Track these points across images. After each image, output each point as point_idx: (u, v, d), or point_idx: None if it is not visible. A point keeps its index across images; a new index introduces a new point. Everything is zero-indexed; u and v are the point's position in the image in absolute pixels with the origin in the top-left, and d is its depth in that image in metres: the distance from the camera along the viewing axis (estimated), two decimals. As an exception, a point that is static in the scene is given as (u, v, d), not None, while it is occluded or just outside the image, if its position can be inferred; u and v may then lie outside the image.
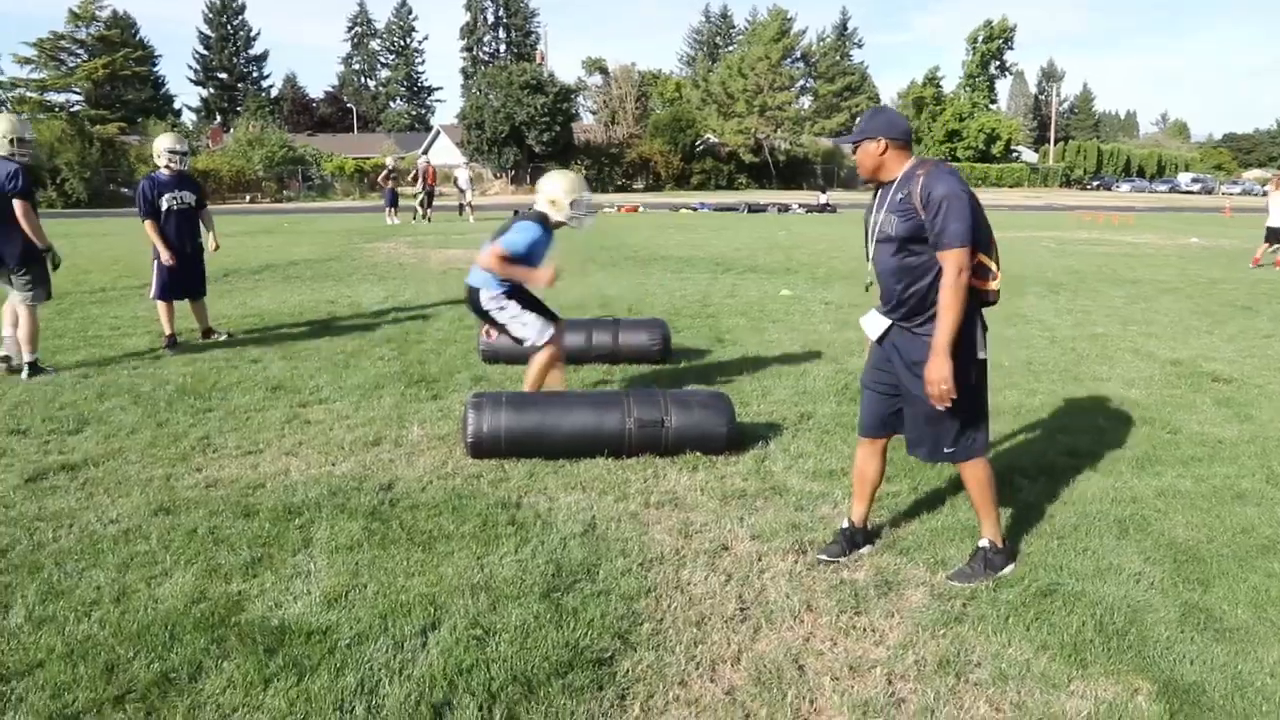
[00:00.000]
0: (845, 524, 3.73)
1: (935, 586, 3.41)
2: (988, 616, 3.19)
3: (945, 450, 3.43)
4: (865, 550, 3.70)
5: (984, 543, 3.55)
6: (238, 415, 5.48)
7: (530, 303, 5.34)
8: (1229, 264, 15.55)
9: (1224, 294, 11.45)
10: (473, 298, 5.28)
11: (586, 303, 10.12)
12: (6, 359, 6.52)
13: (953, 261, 3.18)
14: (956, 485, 4.33)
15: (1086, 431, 5.31)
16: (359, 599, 3.22)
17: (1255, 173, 75.79)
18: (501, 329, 5.35)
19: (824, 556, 3.60)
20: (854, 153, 3.43)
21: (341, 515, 3.95)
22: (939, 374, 3.20)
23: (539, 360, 5.30)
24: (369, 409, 5.65)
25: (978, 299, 3.33)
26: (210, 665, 2.80)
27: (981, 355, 3.37)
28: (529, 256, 5.10)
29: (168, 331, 7.49)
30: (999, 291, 3.39)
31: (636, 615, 3.17)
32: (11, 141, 6.33)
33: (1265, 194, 17.18)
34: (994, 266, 3.33)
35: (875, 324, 3.51)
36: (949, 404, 3.24)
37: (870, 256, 3.47)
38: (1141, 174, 77.73)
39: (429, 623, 3.06)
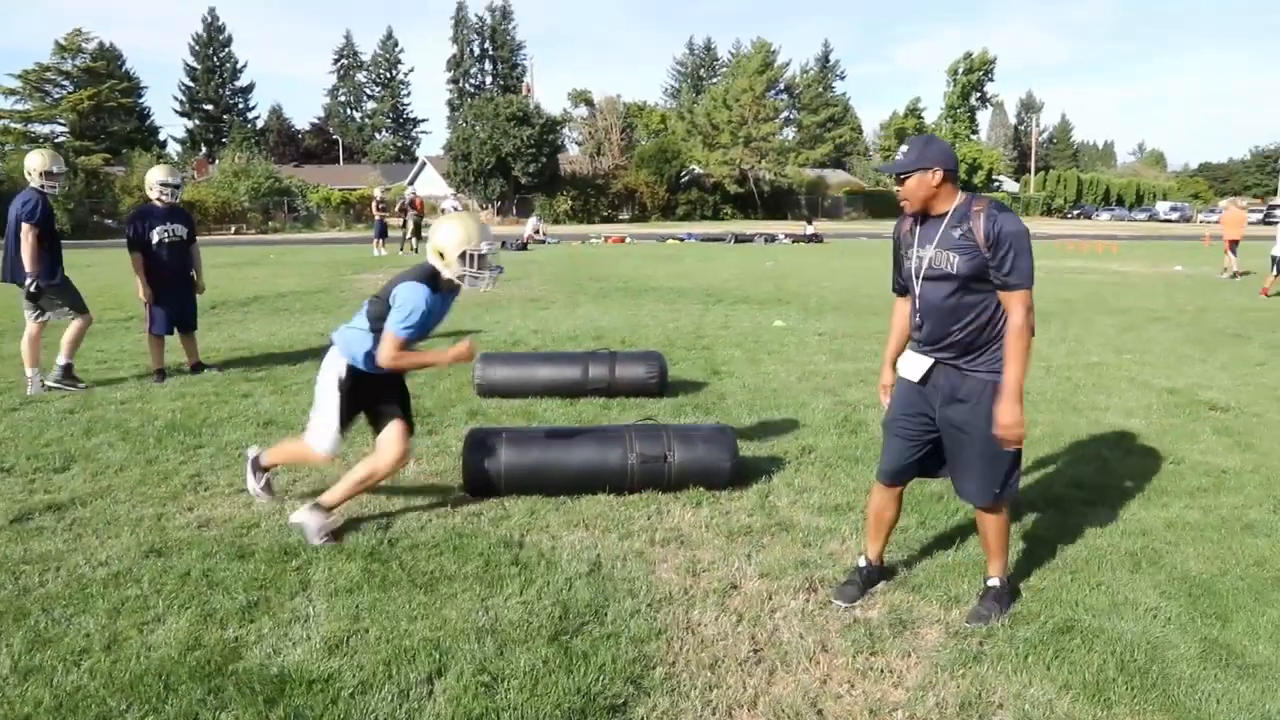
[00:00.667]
0: (862, 563, 3.65)
1: (950, 624, 3.34)
2: (1006, 655, 3.12)
3: (994, 491, 3.31)
4: (880, 586, 3.63)
5: (995, 581, 3.48)
6: (229, 452, 5.37)
7: (352, 406, 4.17)
8: (1214, 291, 15.66)
9: (1213, 321, 11.50)
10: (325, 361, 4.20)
11: (580, 334, 10.07)
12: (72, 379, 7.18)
13: (1021, 302, 3.09)
14: (966, 519, 4.28)
15: (1090, 462, 5.27)
16: (361, 645, 3.12)
17: (1227, 201, 76.78)
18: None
19: (841, 602, 3.49)
20: (899, 182, 3.24)
21: (339, 556, 3.85)
22: (1013, 418, 3.11)
23: (308, 452, 4.28)
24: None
25: None
26: (207, 717, 2.69)
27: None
28: (423, 328, 4.03)
29: (156, 366, 7.39)
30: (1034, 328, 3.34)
31: (648, 658, 3.08)
32: (42, 175, 7.00)
33: (1220, 212, 17.80)
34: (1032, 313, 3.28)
35: (916, 365, 3.35)
36: (1019, 447, 3.18)
37: (916, 293, 3.31)
38: (1121, 203, 78.63)
39: (435, 669, 2.97)
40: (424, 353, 4.23)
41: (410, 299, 3.92)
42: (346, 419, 4.18)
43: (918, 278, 3.27)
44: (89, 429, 5.81)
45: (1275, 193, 79.49)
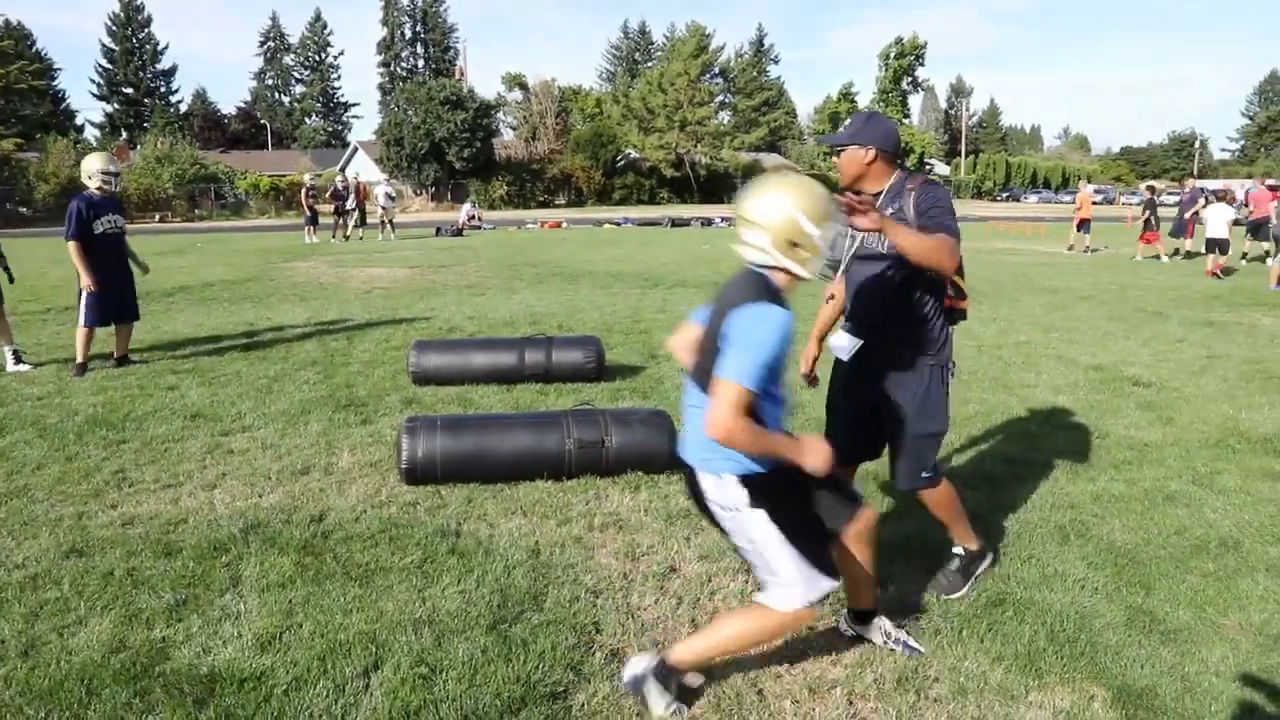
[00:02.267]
0: None
1: (886, 602, 3.38)
2: (942, 630, 3.17)
3: (923, 476, 3.34)
4: None
5: (958, 548, 3.53)
6: (154, 446, 5.19)
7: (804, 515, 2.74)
8: (1135, 271, 16.17)
9: (1134, 300, 11.87)
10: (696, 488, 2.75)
11: (516, 320, 9.98)
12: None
13: (948, 242, 2.96)
14: (900, 499, 4.34)
15: (1020, 438, 5.40)
16: (294, 640, 3.04)
17: (1148, 184, 79.43)
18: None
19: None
20: (835, 156, 3.22)
21: (271, 550, 3.75)
22: (876, 222, 2.82)
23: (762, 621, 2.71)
24: (295, 436, 5.42)
25: (951, 315, 3.30)
26: (133, 721, 2.60)
27: (948, 365, 3.29)
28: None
29: (81, 359, 7.12)
30: (966, 311, 3.37)
31: (588, 645, 3.07)
32: (102, 176, 7.28)
33: (1145, 199, 18.69)
34: (965, 287, 3.30)
35: (847, 345, 3.33)
36: (857, 211, 2.81)
37: (842, 271, 3.29)
38: (1048, 185, 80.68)
39: (371, 663, 2.91)
40: (777, 438, 2.56)
41: (759, 318, 2.49)
42: (809, 538, 2.67)
43: (848, 256, 3.25)
44: (2, 426, 5.57)
45: (1191, 175, 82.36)
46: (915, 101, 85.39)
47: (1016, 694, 2.80)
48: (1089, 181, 21.91)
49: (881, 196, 3.18)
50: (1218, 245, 15.40)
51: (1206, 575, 3.61)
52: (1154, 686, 2.84)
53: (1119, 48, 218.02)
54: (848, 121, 3.24)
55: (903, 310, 3.21)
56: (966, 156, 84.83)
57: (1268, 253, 14.38)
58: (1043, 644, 3.07)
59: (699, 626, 3.19)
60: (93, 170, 7.26)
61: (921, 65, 77.06)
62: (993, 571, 3.60)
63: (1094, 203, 21.90)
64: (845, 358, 3.35)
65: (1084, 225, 20.72)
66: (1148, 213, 18.62)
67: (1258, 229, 17.09)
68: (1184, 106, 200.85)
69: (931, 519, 3.58)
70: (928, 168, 74.78)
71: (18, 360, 7.41)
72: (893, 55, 76.01)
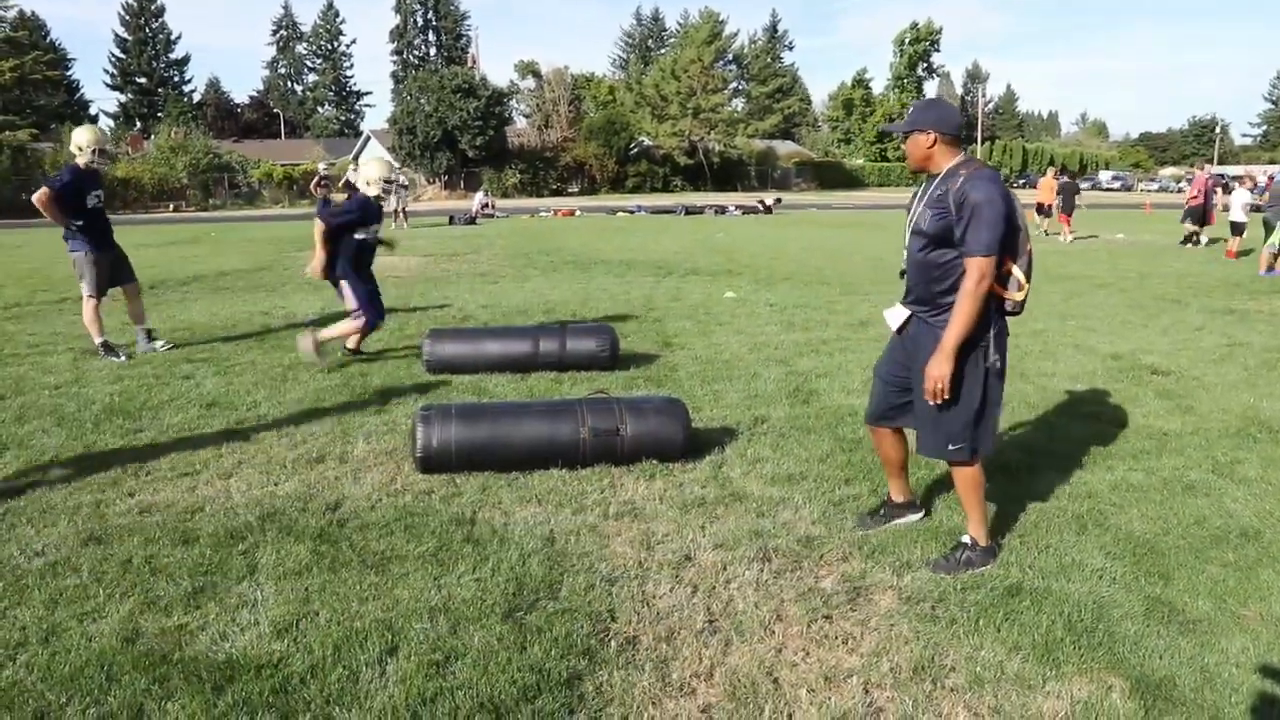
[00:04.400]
0: (886, 497, 3.87)
1: (903, 590, 3.38)
2: (958, 619, 3.16)
3: (950, 448, 3.43)
4: (914, 518, 3.86)
5: (966, 539, 3.56)
6: (171, 435, 5.22)
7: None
8: (1155, 258, 16.04)
9: (1154, 288, 11.77)
10: None
11: (530, 308, 9.98)
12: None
13: (975, 268, 3.16)
14: (916, 486, 4.33)
15: (1038, 428, 5.36)
16: (311, 628, 3.06)
17: (1170, 170, 78.67)
18: None
19: (857, 529, 3.80)
20: (903, 142, 3.40)
21: (287, 538, 3.76)
22: (938, 371, 3.23)
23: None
24: (310, 425, 5.43)
25: (999, 307, 3.33)
26: (153, 707, 2.61)
27: (995, 361, 3.35)
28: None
29: (99, 338, 7.21)
30: (1024, 303, 3.40)
31: (604, 632, 3.07)
32: (93, 153, 7.27)
33: (1180, 189, 19.28)
34: (1023, 278, 3.32)
35: (896, 315, 3.53)
36: (940, 402, 3.28)
37: (905, 245, 3.47)
38: (1065, 171, 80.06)
39: (386, 650, 2.92)
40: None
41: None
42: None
43: (907, 231, 3.43)
44: (21, 415, 5.61)
45: (1211, 161, 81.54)
46: (930, 88, 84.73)
47: (1034, 684, 2.79)
48: (1056, 167, 24.05)
49: (938, 180, 3.29)
50: (1236, 228, 15.53)
51: (1226, 565, 3.57)
52: (1173, 677, 2.82)
53: (1138, 32, 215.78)
54: (909, 109, 3.43)
55: (939, 286, 3.33)
56: (983, 143, 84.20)
57: None
58: (1060, 634, 3.05)
59: (714, 615, 3.19)
60: (88, 143, 7.25)
61: (937, 51, 76.59)
62: (1006, 559, 3.59)
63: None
64: (893, 327, 3.55)
65: (1042, 209, 22.32)
66: (1061, 196, 21.10)
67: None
68: (1204, 92, 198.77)
69: (937, 498, 3.64)
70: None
71: (150, 339, 7.68)
72: (907, 41, 75.48)
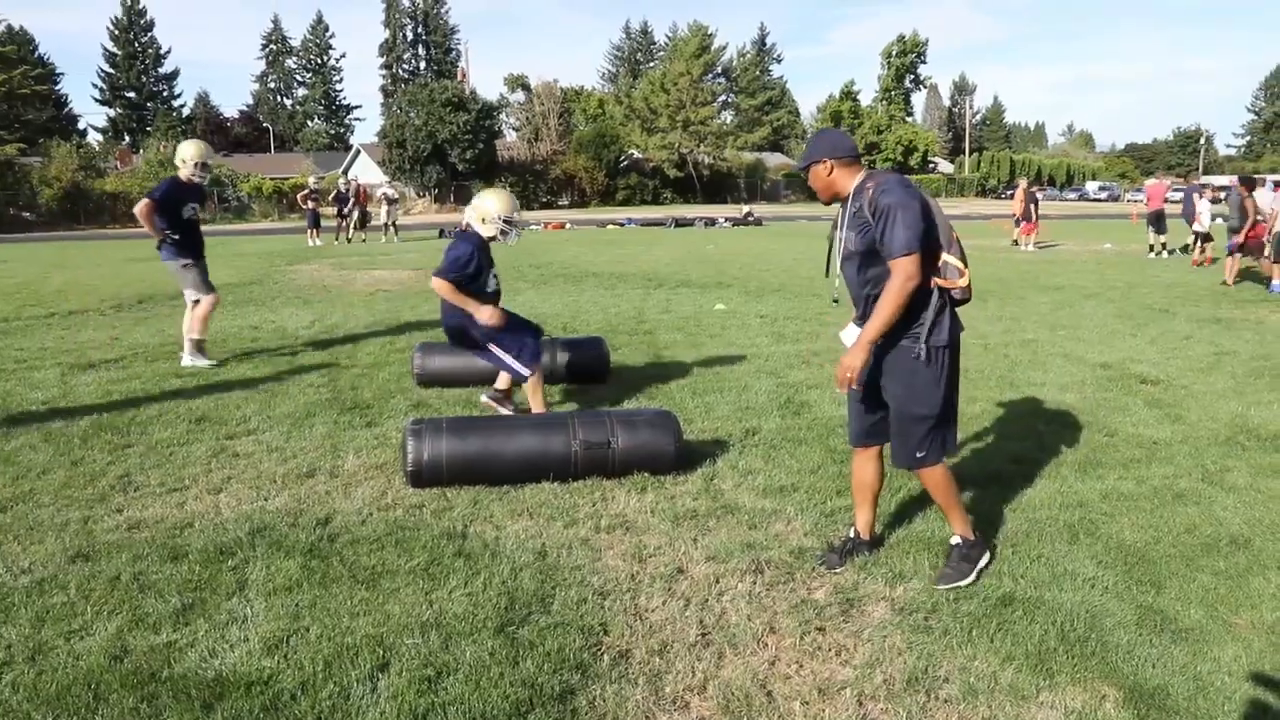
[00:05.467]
0: (851, 533, 3.75)
1: (896, 601, 3.37)
2: (951, 629, 3.15)
3: (918, 456, 3.43)
4: (869, 555, 3.72)
5: (956, 540, 3.56)
6: (160, 450, 5.19)
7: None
8: (1143, 268, 16.14)
9: (1142, 297, 11.84)
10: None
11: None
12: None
13: (900, 269, 3.19)
14: (908, 497, 4.33)
15: (1028, 437, 5.38)
16: (301, 644, 3.03)
17: (1164, 178, 79.33)
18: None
19: (822, 567, 3.61)
20: (808, 181, 3.47)
21: (277, 554, 3.74)
22: (851, 361, 3.26)
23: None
24: (300, 439, 5.41)
25: (946, 298, 3.36)
26: (140, 726, 2.58)
27: (942, 347, 3.33)
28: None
29: (197, 336, 7.64)
30: (969, 288, 3.41)
31: (596, 646, 3.05)
32: (196, 165, 7.37)
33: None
34: (960, 264, 3.34)
35: (852, 335, 3.51)
36: (844, 389, 3.32)
37: (838, 271, 3.50)
38: (1052, 183, 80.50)
39: (378, 665, 2.90)
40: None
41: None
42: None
43: (837, 256, 3.48)
44: (8, 431, 5.57)
45: (1196, 170, 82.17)
46: (919, 99, 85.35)
47: (1027, 694, 2.78)
48: (1028, 179, 24.70)
49: (849, 200, 3.35)
50: (1201, 237, 16.33)
51: (1218, 574, 3.58)
52: (1166, 686, 2.82)
53: (1123, 44, 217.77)
54: (806, 146, 3.52)
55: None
56: (970, 154, 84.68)
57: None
58: (1053, 643, 3.05)
59: (707, 628, 3.18)
60: (188, 156, 7.36)
61: (923, 63, 77.07)
62: (998, 569, 3.59)
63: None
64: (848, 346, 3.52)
65: (1019, 221, 22.07)
66: (1027, 205, 20.92)
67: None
68: (1189, 102, 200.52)
69: (928, 510, 3.64)
70: (931, 166, 74.78)
71: (197, 351, 7.68)
72: (895, 53, 75.95)
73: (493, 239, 5.52)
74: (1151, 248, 18.84)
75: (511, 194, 5.82)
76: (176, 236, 7.43)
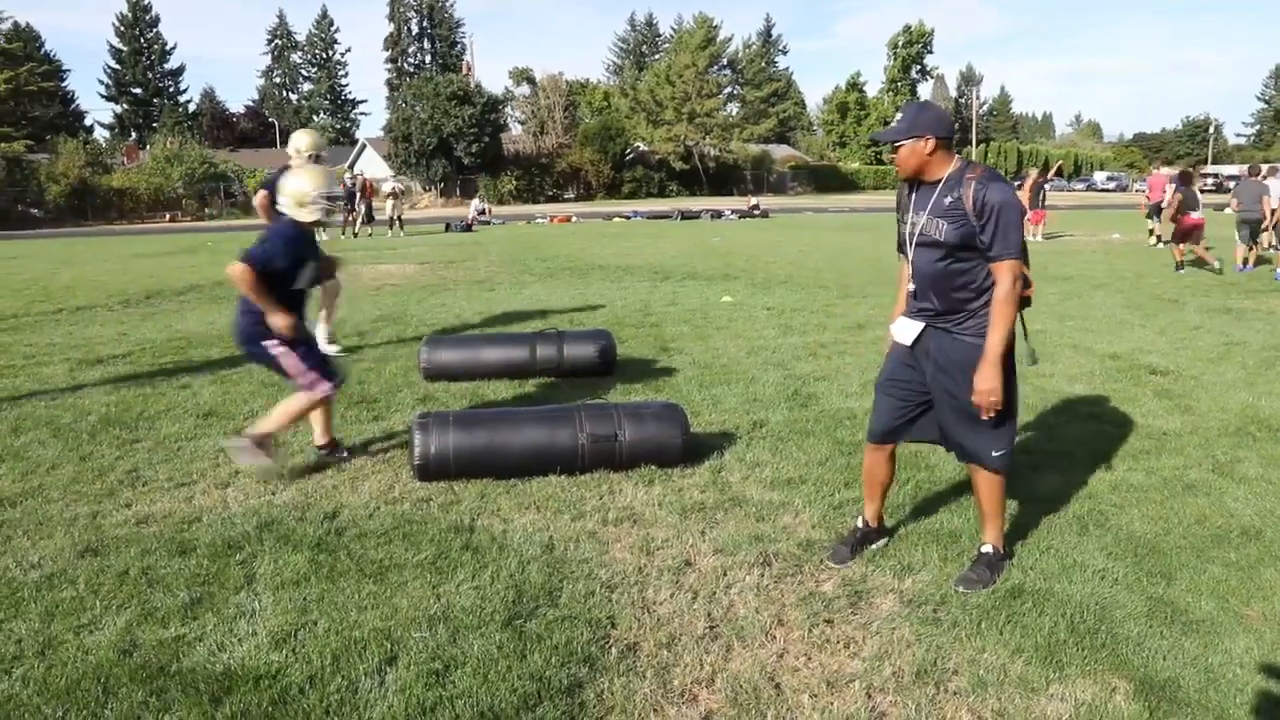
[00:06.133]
0: (860, 524, 3.68)
1: (904, 593, 3.36)
2: (960, 621, 3.14)
3: (994, 455, 3.35)
4: (880, 544, 3.69)
5: (988, 548, 3.51)
6: (168, 445, 5.20)
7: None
8: (1151, 259, 16.05)
9: (1151, 288, 11.78)
10: None
11: (527, 315, 9.96)
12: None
13: (1009, 272, 3.10)
14: (917, 489, 4.32)
15: (1037, 428, 5.35)
16: (309, 637, 3.03)
17: (1165, 170, 79.04)
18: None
19: (833, 563, 3.55)
20: (893, 150, 3.23)
21: (285, 548, 3.74)
22: (990, 384, 3.14)
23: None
24: (307, 433, 5.40)
25: (1020, 304, 3.28)
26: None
27: (1016, 359, 3.32)
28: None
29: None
30: (1030, 299, 3.34)
31: (604, 639, 3.05)
32: (310, 157, 7.12)
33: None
34: (1030, 274, 3.28)
35: (908, 329, 3.38)
36: (995, 414, 3.20)
37: (909, 258, 3.33)
38: (1060, 173, 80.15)
39: (386, 659, 2.90)
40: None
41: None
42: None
43: (911, 243, 3.29)
44: (17, 427, 5.59)
45: (1206, 161, 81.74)
46: (925, 90, 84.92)
47: (1037, 686, 2.77)
48: (1038, 169, 24.86)
49: (940, 186, 3.18)
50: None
51: (1229, 565, 3.56)
52: (1177, 678, 2.80)
53: (1131, 34, 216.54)
54: (898, 115, 3.23)
55: (961, 295, 3.23)
56: (977, 145, 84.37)
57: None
58: (1063, 635, 3.04)
59: (715, 620, 3.18)
60: (302, 147, 7.28)
61: (930, 53, 76.88)
62: (1010, 564, 3.58)
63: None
64: (907, 342, 3.38)
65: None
66: (1033, 195, 20.59)
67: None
68: (1198, 92, 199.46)
69: (975, 504, 3.60)
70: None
71: (329, 340, 7.70)
72: (901, 44, 75.66)
73: (318, 224, 4.66)
74: (1151, 232, 18.93)
75: (325, 167, 5.02)
76: None
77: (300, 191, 4.52)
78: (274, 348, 4.55)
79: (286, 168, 7.30)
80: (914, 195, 3.29)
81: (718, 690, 2.77)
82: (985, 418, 3.23)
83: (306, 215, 4.55)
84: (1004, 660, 2.90)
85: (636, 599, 3.33)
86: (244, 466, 4.60)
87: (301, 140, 7.35)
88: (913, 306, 3.38)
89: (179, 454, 5.04)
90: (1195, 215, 14.01)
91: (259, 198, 7.28)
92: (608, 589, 3.40)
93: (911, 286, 3.37)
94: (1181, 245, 14.03)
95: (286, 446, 4.97)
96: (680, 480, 4.53)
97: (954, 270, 3.21)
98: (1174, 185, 16.10)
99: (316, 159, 7.34)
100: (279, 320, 4.45)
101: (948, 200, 3.15)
